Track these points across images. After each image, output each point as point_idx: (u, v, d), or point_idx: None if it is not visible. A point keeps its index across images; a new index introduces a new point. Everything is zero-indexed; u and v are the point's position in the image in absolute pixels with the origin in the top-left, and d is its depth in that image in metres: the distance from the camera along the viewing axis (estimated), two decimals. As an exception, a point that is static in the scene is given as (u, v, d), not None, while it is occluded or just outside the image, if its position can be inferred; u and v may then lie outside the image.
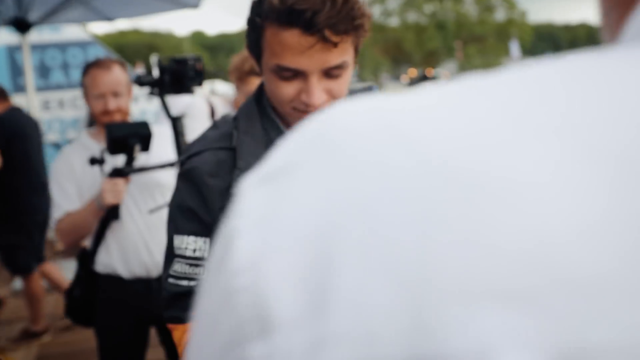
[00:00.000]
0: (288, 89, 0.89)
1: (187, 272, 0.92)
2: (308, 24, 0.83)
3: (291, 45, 0.85)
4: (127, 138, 1.62)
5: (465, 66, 41.60)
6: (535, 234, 0.17)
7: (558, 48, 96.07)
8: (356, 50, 0.93)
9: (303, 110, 0.90)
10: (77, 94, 5.10)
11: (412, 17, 45.48)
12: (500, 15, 45.59)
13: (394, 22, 45.38)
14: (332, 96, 0.90)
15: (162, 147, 1.84)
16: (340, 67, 0.89)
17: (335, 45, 0.85)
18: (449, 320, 0.17)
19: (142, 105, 5.38)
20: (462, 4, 45.59)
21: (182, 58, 1.68)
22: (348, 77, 0.92)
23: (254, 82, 2.19)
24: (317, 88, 0.88)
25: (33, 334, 3.12)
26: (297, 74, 0.88)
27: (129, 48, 53.12)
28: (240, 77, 2.27)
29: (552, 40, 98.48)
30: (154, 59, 1.90)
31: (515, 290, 0.17)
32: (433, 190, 0.19)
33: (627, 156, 0.18)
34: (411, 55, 44.29)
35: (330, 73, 0.89)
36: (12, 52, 5.24)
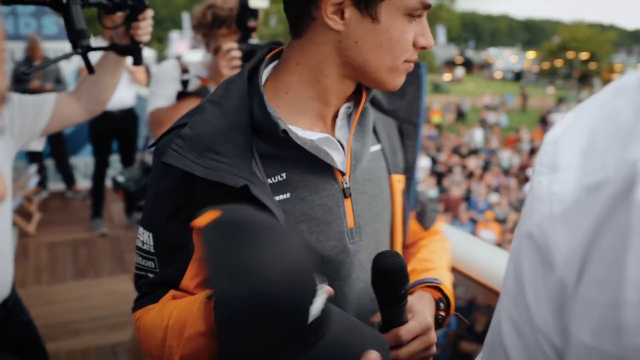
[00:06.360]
0: (411, 34, 0.78)
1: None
2: None
3: None
4: None
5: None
6: None
7: (480, 37, 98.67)
8: None
9: (414, 59, 0.81)
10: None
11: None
12: (430, -1, 45.86)
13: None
14: None
15: None
16: None
17: None
18: None
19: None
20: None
21: None
22: None
23: (223, 36, 1.90)
24: None
25: None
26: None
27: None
28: (205, 33, 1.94)
29: (475, 29, 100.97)
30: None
31: None
32: None
33: None
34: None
35: None
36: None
